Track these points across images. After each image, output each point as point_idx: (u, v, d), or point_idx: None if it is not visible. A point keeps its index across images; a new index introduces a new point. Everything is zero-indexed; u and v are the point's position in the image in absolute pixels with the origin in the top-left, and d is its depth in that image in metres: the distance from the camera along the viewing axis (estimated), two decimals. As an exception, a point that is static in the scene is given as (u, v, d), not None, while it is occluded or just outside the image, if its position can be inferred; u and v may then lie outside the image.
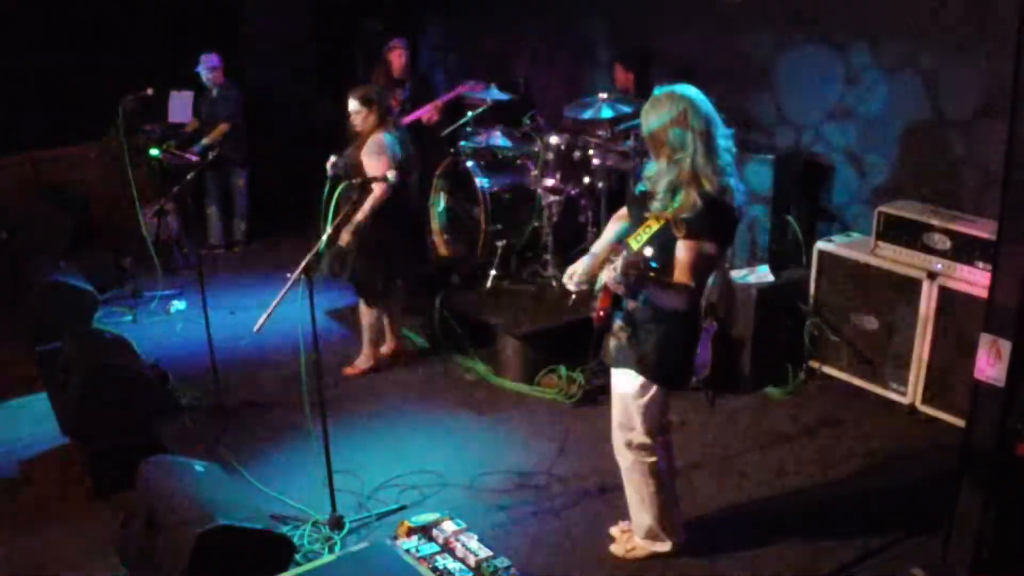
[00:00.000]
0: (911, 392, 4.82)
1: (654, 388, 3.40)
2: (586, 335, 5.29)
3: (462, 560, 3.64)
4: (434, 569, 3.58)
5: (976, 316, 3.43)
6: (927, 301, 4.67)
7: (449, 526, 3.86)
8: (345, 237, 4.99)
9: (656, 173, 3.23)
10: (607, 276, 3.00)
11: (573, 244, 6.00)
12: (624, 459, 3.59)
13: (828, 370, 5.21)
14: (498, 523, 4.02)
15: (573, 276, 3.44)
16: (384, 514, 4.11)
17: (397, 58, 7.17)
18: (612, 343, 3.43)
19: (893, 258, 4.86)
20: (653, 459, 3.54)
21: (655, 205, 3.20)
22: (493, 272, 5.81)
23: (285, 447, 4.66)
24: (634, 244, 3.21)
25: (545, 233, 5.77)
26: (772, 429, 4.75)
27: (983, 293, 3.46)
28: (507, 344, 5.32)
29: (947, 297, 4.60)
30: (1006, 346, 3.09)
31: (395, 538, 3.82)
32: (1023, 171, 3.02)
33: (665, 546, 3.72)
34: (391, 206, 5.01)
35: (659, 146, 3.19)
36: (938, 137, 4.99)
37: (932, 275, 4.66)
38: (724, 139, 3.20)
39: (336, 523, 3.96)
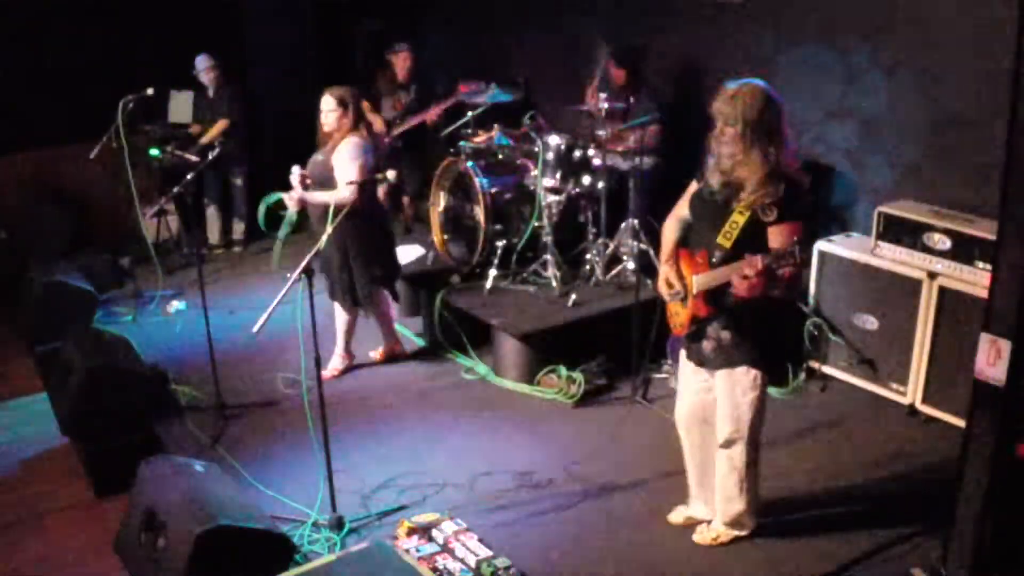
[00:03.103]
0: (911, 392, 4.82)
1: (763, 380, 3.50)
2: (589, 336, 5.34)
3: (462, 560, 3.65)
4: (434, 569, 3.58)
5: (976, 316, 3.44)
6: (927, 301, 4.67)
7: (449, 526, 3.87)
8: (292, 204, 4.91)
9: (732, 166, 3.29)
10: (739, 282, 3.15)
11: (573, 244, 6.00)
12: (732, 451, 3.62)
13: (828, 370, 5.21)
14: (498, 523, 4.02)
15: (673, 287, 3.49)
16: (384, 514, 4.11)
17: (402, 62, 7.14)
18: (708, 346, 3.50)
19: (893, 258, 4.86)
20: (755, 451, 3.65)
21: (743, 199, 3.26)
22: (493, 272, 5.81)
23: (285, 447, 4.66)
24: (725, 242, 3.28)
25: (545, 233, 5.77)
26: (772, 429, 4.72)
27: (983, 293, 3.46)
28: (507, 344, 5.32)
29: (947, 297, 4.60)
30: (1006, 346, 3.08)
31: (395, 538, 3.82)
32: (1023, 171, 3.02)
33: (746, 531, 3.81)
34: (366, 214, 4.97)
35: (740, 140, 3.25)
36: (938, 137, 4.99)
37: (932, 275, 4.66)
38: (789, 134, 3.31)
39: (336, 523, 3.96)
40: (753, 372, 3.48)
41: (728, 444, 3.64)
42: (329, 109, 4.93)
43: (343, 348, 5.49)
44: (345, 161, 4.88)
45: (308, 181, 5.01)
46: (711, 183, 3.40)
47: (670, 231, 3.62)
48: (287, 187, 5.04)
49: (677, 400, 3.84)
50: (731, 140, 3.27)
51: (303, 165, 5.06)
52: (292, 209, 4.99)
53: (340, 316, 5.39)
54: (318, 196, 4.90)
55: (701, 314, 3.43)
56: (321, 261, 5.16)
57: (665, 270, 3.53)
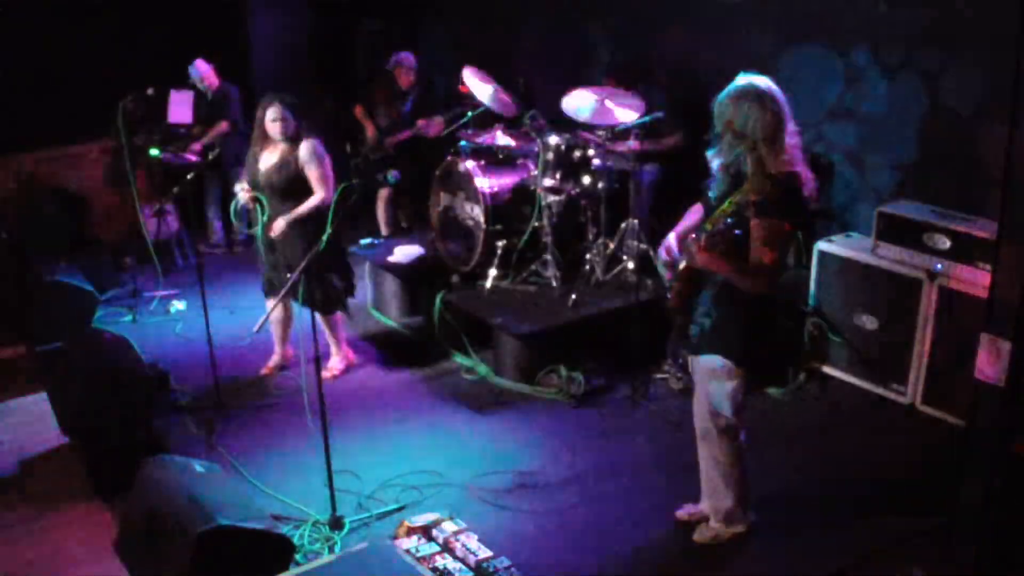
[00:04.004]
0: (911, 392, 4.82)
1: (739, 372, 3.52)
2: (589, 336, 5.34)
3: (462, 560, 3.65)
4: (434, 569, 3.58)
5: (976, 316, 3.44)
6: (927, 301, 4.67)
7: (449, 526, 3.87)
8: (280, 227, 4.91)
9: (727, 161, 3.37)
10: (685, 252, 3.27)
11: (573, 244, 6.00)
12: (711, 443, 3.69)
13: (828, 370, 5.21)
14: (498, 523, 4.02)
15: (670, 251, 3.57)
16: (384, 514, 4.11)
17: (404, 74, 7.09)
18: (694, 329, 3.56)
19: (893, 258, 4.86)
20: (738, 442, 3.68)
21: (713, 187, 3.36)
22: (493, 272, 5.81)
23: (285, 447, 4.66)
24: (709, 226, 3.34)
25: (545, 233, 5.77)
26: (772, 429, 4.75)
27: (983, 293, 3.46)
28: (507, 344, 5.32)
29: (947, 297, 4.60)
30: (1006, 346, 3.08)
31: (395, 538, 3.82)
32: (1023, 171, 3.02)
33: (742, 527, 3.81)
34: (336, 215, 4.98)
35: (724, 131, 3.32)
36: (938, 137, 4.99)
37: (932, 275, 4.66)
38: (791, 136, 3.32)
39: (336, 523, 3.96)
40: (729, 363, 3.51)
41: (704, 435, 3.70)
42: (282, 117, 4.90)
43: (337, 348, 5.48)
44: (316, 163, 4.92)
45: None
46: (718, 174, 3.47)
47: (691, 213, 3.71)
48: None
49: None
50: (724, 139, 3.35)
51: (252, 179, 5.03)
52: (281, 231, 4.96)
53: (323, 322, 5.34)
54: (305, 208, 4.92)
55: (685, 291, 3.53)
56: (280, 265, 5.08)
57: (669, 237, 3.61)
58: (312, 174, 4.92)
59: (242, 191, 5.00)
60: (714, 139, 3.42)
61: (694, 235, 3.44)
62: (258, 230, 4.97)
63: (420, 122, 6.99)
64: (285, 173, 4.93)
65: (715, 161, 3.46)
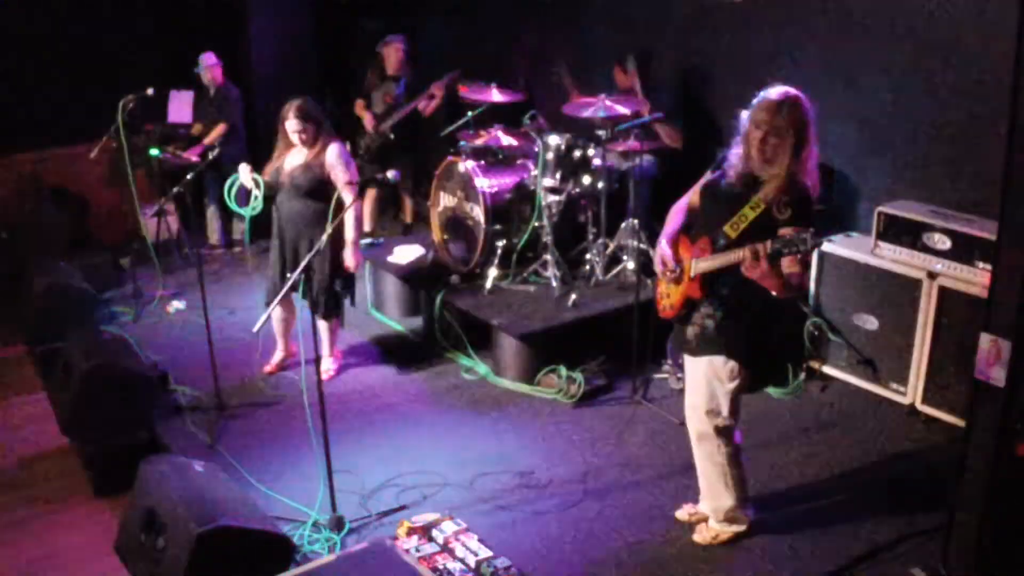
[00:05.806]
0: (911, 392, 4.82)
1: (742, 372, 3.52)
2: (589, 336, 5.34)
3: (462, 560, 3.65)
4: (434, 569, 3.59)
5: (976, 316, 3.44)
6: (927, 301, 4.67)
7: (449, 526, 3.87)
8: (351, 260, 5.00)
9: (758, 166, 3.33)
10: (750, 260, 3.14)
11: (573, 244, 6.00)
12: (708, 445, 3.68)
13: (828, 370, 5.21)
14: (498, 523, 4.02)
15: (667, 264, 3.55)
16: (384, 514, 4.11)
17: (393, 54, 7.14)
18: (692, 331, 3.55)
19: (893, 258, 4.86)
20: (735, 443, 3.68)
21: (758, 195, 3.31)
22: (493, 272, 5.81)
23: (285, 447, 4.66)
24: (731, 232, 3.33)
25: (545, 233, 5.77)
26: (772, 429, 4.75)
27: (983, 293, 3.47)
28: (507, 344, 5.32)
29: (947, 297, 4.60)
30: (1006, 346, 3.09)
31: (395, 538, 3.82)
32: (1023, 171, 3.02)
33: (743, 526, 3.82)
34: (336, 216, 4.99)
35: (782, 147, 3.28)
36: (938, 137, 4.98)
37: (932, 275, 4.66)
38: (815, 145, 3.35)
39: (336, 523, 3.96)
40: (731, 363, 3.51)
41: (701, 436, 3.69)
42: (299, 129, 4.94)
43: (330, 350, 5.47)
44: (343, 167, 4.98)
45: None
46: (729, 176, 3.44)
47: (677, 215, 3.68)
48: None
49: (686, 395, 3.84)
50: (772, 148, 3.28)
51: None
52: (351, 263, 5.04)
53: (321, 325, 5.33)
54: (351, 230, 4.99)
55: (695, 296, 3.49)
56: (283, 263, 5.10)
57: (664, 248, 3.58)
58: (339, 178, 4.97)
59: (244, 168, 5.00)
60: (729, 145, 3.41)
61: (707, 237, 3.42)
62: (276, 216, 4.96)
63: (423, 97, 6.99)
64: (310, 175, 4.98)
65: (734, 162, 3.41)
